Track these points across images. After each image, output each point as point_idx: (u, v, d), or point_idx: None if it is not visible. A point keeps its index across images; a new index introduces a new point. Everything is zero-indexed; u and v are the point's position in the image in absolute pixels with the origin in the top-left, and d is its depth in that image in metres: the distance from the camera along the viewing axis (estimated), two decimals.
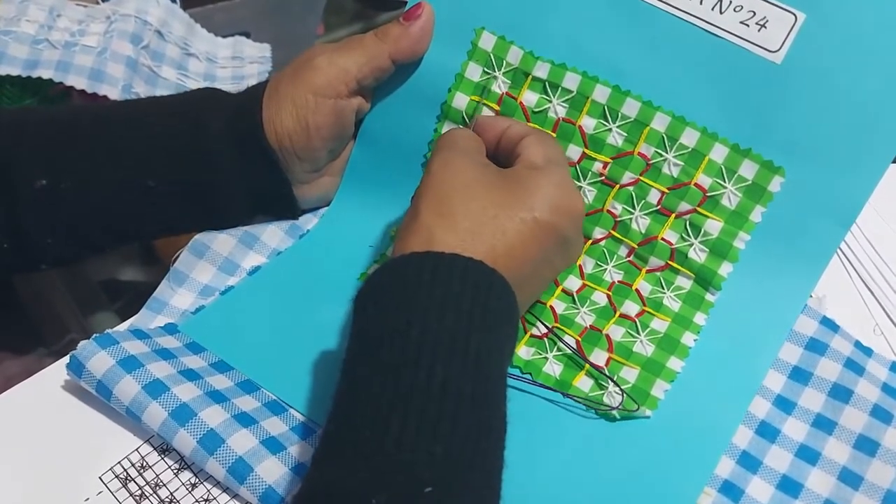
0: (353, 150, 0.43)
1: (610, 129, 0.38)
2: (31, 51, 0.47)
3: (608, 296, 0.39)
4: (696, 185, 0.37)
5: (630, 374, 0.37)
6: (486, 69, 0.39)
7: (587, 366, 0.38)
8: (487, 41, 0.39)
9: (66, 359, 0.35)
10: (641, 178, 0.38)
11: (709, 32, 0.36)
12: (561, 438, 0.36)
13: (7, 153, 0.36)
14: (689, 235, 0.38)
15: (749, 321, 0.37)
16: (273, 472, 0.32)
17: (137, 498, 0.33)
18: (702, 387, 0.37)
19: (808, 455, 0.35)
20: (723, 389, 0.37)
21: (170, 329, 0.38)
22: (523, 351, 0.39)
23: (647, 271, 0.38)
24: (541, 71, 0.38)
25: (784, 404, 0.37)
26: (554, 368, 0.38)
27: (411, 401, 0.26)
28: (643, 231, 0.38)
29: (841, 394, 0.36)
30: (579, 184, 0.39)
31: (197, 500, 0.33)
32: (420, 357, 0.26)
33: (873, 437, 0.35)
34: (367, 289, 0.29)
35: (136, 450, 0.34)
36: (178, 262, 0.40)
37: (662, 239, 0.38)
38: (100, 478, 0.33)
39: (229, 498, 0.33)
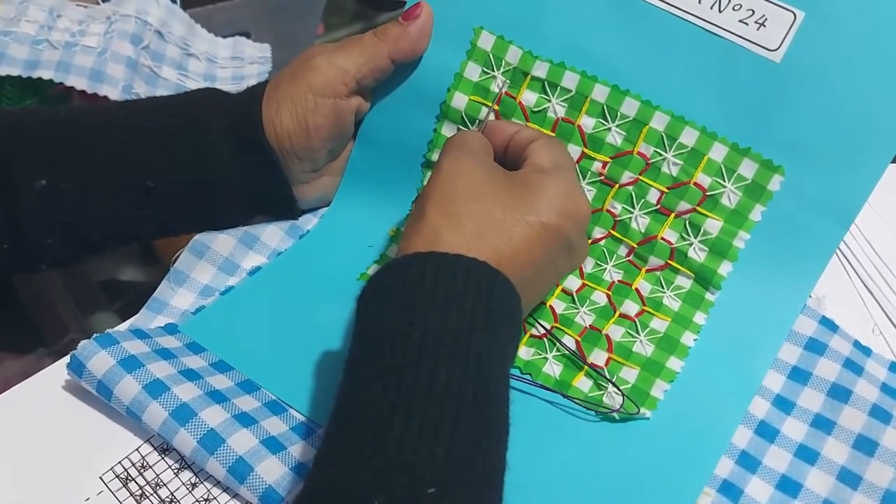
0: (353, 150, 0.43)
1: (609, 129, 0.38)
2: (31, 51, 0.47)
3: (608, 295, 0.39)
4: (695, 184, 0.37)
5: (630, 374, 0.37)
6: (485, 69, 0.39)
7: (586, 367, 0.38)
8: (486, 41, 0.39)
9: (66, 359, 0.35)
10: (641, 177, 0.38)
11: (708, 31, 0.36)
12: (560, 439, 0.36)
13: (7, 153, 0.36)
14: (688, 235, 0.38)
15: (749, 320, 0.37)
16: (273, 471, 0.32)
17: (138, 497, 0.33)
18: (701, 387, 0.37)
19: (807, 455, 0.35)
20: (722, 389, 0.37)
21: (170, 329, 0.38)
22: (523, 351, 0.39)
23: (647, 271, 0.38)
24: (540, 70, 0.38)
25: (783, 404, 0.37)
26: (553, 369, 0.38)
27: (413, 402, 0.26)
28: (643, 230, 0.38)
29: (840, 394, 0.36)
30: (579, 183, 0.39)
31: (197, 500, 0.33)
32: (422, 358, 0.26)
33: (872, 437, 0.35)
34: (370, 289, 0.29)
35: (137, 449, 0.34)
36: (178, 262, 0.40)
37: (662, 238, 0.38)
38: (100, 477, 0.33)
39: (229, 497, 0.33)
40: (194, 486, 0.33)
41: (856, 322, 0.42)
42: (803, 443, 0.36)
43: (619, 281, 0.39)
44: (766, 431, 0.36)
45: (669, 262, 0.38)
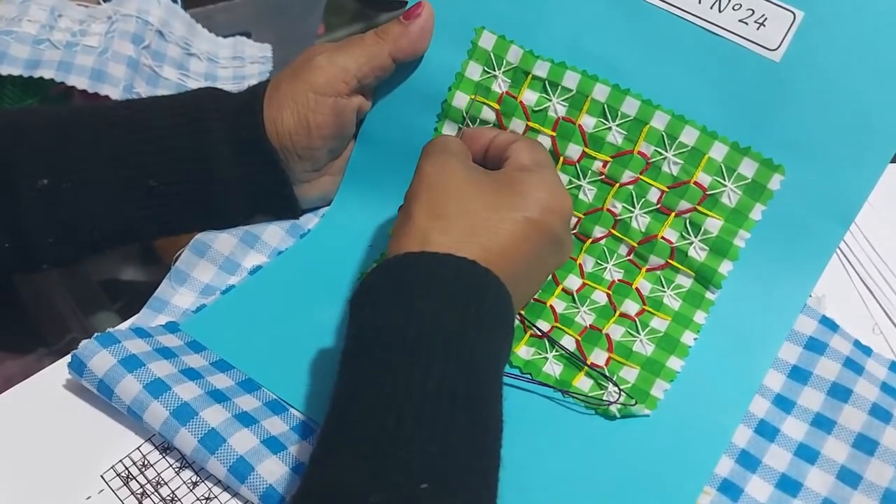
0: (354, 150, 0.43)
1: (610, 128, 0.38)
2: (32, 51, 0.47)
3: (608, 295, 0.39)
4: (695, 183, 0.37)
5: (630, 373, 0.37)
6: (486, 68, 0.39)
7: (587, 367, 0.38)
8: (487, 40, 0.39)
9: (67, 358, 0.35)
10: (641, 176, 0.38)
11: (708, 31, 0.36)
12: (561, 438, 0.36)
13: (8, 153, 0.36)
14: (689, 234, 0.38)
15: (749, 320, 0.37)
16: (274, 471, 0.32)
17: (139, 496, 0.33)
18: (702, 386, 0.37)
19: (807, 454, 0.35)
20: (723, 389, 0.37)
21: (171, 328, 0.38)
22: (523, 351, 0.39)
23: (647, 270, 0.38)
24: (541, 70, 0.38)
25: (783, 403, 0.37)
26: (554, 368, 0.38)
27: (407, 400, 0.26)
28: (643, 230, 0.38)
29: (840, 393, 0.36)
30: (579, 182, 0.39)
31: (198, 499, 0.33)
32: (415, 357, 0.27)
33: (872, 436, 0.35)
34: (363, 289, 0.30)
35: (138, 448, 0.34)
36: (179, 261, 0.40)
37: (662, 237, 0.38)
38: (101, 476, 0.33)
39: (230, 497, 0.33)
40: (195, 484, 0.33)
41: (856, 321, 0.42)
42: (803, 442, 0.36)
43: (619, 280, 0.39)
44: (767, 430, 0.36)
45: (670, 261, 0.38)
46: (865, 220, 0.47)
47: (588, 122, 0.38)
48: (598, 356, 0.38)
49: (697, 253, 0.38)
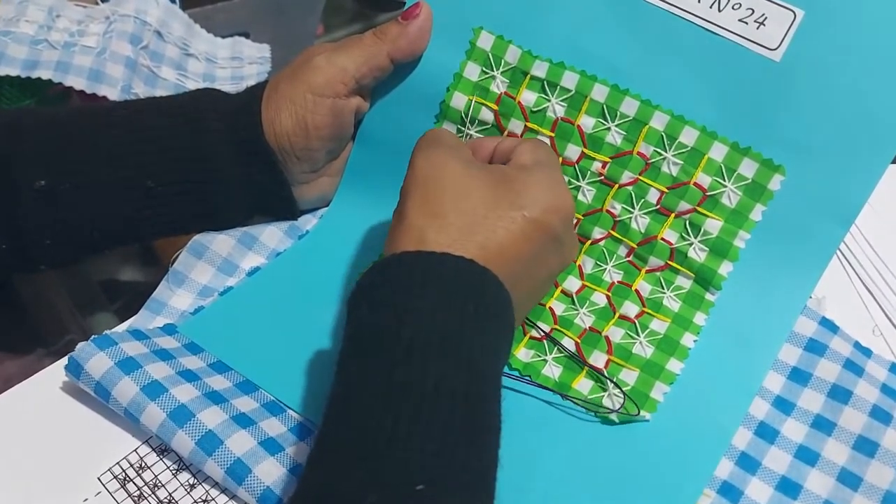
0: (352, 151, 0.42)
1: (609, 129, 0.38)
2: (30, 51, 0.47)
3: (607, 296, 0.39)
4: (695, 184, 0.37)
5: (629, 376, 0.37)
6: (484, 68, 0.39)
7: (586, 368, 0.38)
8: (486, 40, 0.39)
9: (65, 360, 0.35)
10: (640, 177, 0.38)
11: (708, 30, 0.36)
12: (560, 440, 0.36)
13: (6, 154, 0.36)
14: (688, 235, 0.38)
15: (749, 321, 0.37)
16: (271, 473, 0.32)
17: (136, 498, 0.33)
18: (701, 388, 0.37)
19: (807, 456, 0.35)
20: (722, 391, 0.36)
21: (168, 330, 0.38)
22: (522, 353, 0.39)
23: (647, 271, 0.38)
24: (539, 70, 0.38)
25: (783, 405, 0.37)
26: (553, 371, 0.38)
27: (403, 400, 0.26)
28: (643, 231, 0.38)
29: (840, 395, 0.36)
30: (578, 183, 0.39)
31: (195, 501, 0.33)
32: (411, 356, 0.26)
33: (872, 438, 0.35)
34: (360, 289, 0.29)
35: (135, 450, 0.34)
36: (177, 262, 0.40)
37: (662, 238, 0.38)
38: (98, 478, 0.33)
39: (228, 499, 0.33)
40: (193, 487, 0.33)
41: (856, 323, 0.42)
42: (803, 444, 0.36)
43: (618, 282, 0.39)
44: (766, 432, 0.36)
45: (669, 262, 0.38)
46: (866, 221, 0.47)
47: (587, 122, 0.38)
48: (598, 358, 0.38)
49: (697, 254, 0.38)
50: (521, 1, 0.38)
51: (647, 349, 0.38)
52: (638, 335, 0.38)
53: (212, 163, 0.38)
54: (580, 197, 0.39)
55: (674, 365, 0.37)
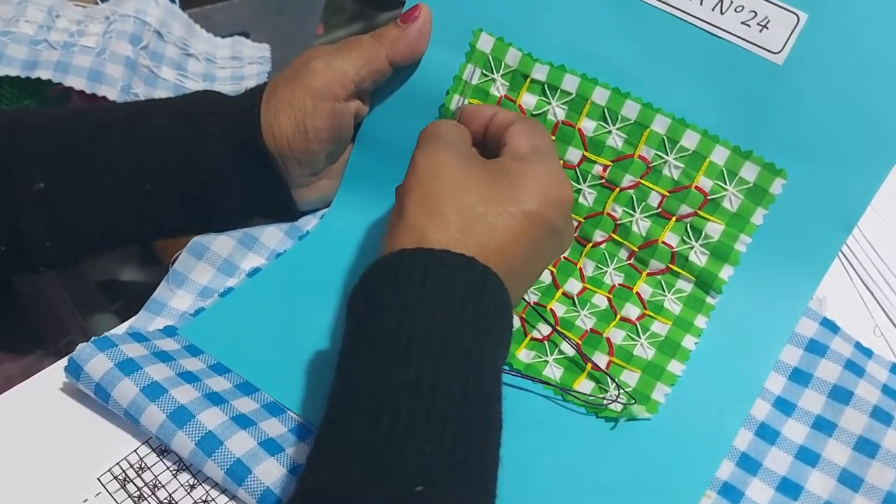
0: (352, 153, 0.42)
1: (610, 132, 0.38)
2: (29, 51, 0.47)
3: (608, 299, 0.39)
4: (696, 187, 0.37)
5: (631, 377, 0.37)
6: (484, 71, 0.39)
7: (588, 369, 0.38)
8: (486, 43, 0.39)
9: (65, 360, 0.35)
10: (642, 180, 0.38)
11: (710, 33, 0.36)
12: (561, 441, 0.36)
13: (5, 156, 0.36)
14: (689, 238, 0.37)
15: (750, 324, 0.37)
16: (271, 473, 0.32)
17: (136, 499, 0.33)
18: (703, 390, 0.37)
19: (807, 457, 0.35)
20: (724, 393, 0.36)
21: (168, 332, 0.38)
22: (524, 354, 0.39)
23: (648, 274, 0.38)
24: (540, 73, 0.38)
25: (784, 406, 0.37)
26: (554, 372, 0.38)
27: (401, 400, 0.26)
28: (644, 234, 0.38)
29: (841, 395, 0.36)
30: (579, 186, 0.39)
31: (195, 502, 0.33)
32: (410, 356, 0.26)
33: (873, 439, 0.35)
34: (359, 288, 0.29)
35: (135, 451, 0.34)
36: (176, 263, 0.39)
37: (663, 242, 0.38)
38: (98, 479, 0.33)
39: (228, 499, 0.33)
40: (192, 487, 0.33)
41: (857, 323, 0.42)
42: (804, 445, 0.36)
43: (619, 284, 0.39)
44: (767, 433, 0.36)
45: (670, 265, 0.38)
46: (867, 222, 0.47)
47: (588, 125, 0.38)
48: (599, 360, 0.38)
49: (698, 257, 0.37)
50: (521, 3, 0.38)
51: (649, 351, 0.38)
52: (639, 337, 0.38)
53: (211, 166, 0.38)
54: (581, 200, 0.39)
55: (675, 367, 0.37)
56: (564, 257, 0.39)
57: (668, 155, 0.37)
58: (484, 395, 0.27)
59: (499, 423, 0.28)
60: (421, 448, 0.25)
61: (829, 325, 0.38)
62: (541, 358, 0.39)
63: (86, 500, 0.33)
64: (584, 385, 0.38)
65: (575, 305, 0.39)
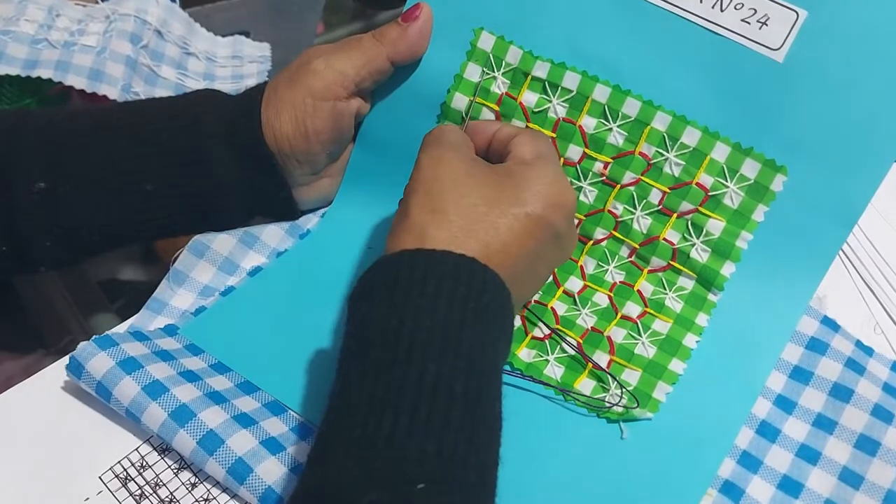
0: (353, 152, 0.42)
1: (610, 129, 0.38)
2: (30, 50, 0.47)
3: (609, 297, 0.39)
4: (697, 184, 0.37)
5: (632, 376, 0.37)
6: (485, 69, 0.39)
7: (589, 368, 0.38)
8: (486, 41, 0.39)
9: (66, 359, 0.35)
10: (642, 177, 0.38)
11: (710, 31, 0.36)
12: (562, 440, 0.36)
13: (5, 156, 0.36)
14: (690, 235, 0.38)
15: (752, 322, 0.37)
16: (273, 472, 0.32)
17: (137, 497, 0.33)
18: (704, 389, 0.37)
19: (808, 455, 0.35)
20: (725, 391, 0.36)
21: (169, 330, 0.38)
22: (524, 353, 0.39)
23: (649, 272, 0.38)
24: (540, 71, 0.38)
25: (785, 404, 0.37)
26: (555, 371, 0.38)
27: (402, 398, 0.26)
28: (645, 231, 0.38)
29: (842, 393, 0.36)
30: (580, 184, 0.39)
31: (197, 500, 0.33)
32: (411, 354, 0.26)
33: (874, 437, 0.35)
34: (360, 288, 0.29)
35: (136, 449, 0.34)
36: (177, 262, 0.39)
37: (664, 239, 0.38)
38: (100, 477, 0.33)
39: (229, 498, 0.33)
40: (194, 486, 0.33)
41: (857, 321, 0.42)
42: (805, 443, 0.36)
43: (620, 282, 0.39)
44: (768, 431, 0.36)
45: (671, 262, 0.38)
46: (867, 219, 0.47)
47: (589, 123, 0.38)
48: (600, 359, 0.38)
49: (699, 254, 0.37)
50: (521, 1, 0.38)
51: (650, 349, 0.38)
52: (640, 335, 0.38)
53: (211, 166, 0.38)
54: (582, 198, 0.39)
55: (676, 365, 0.37)
56: None
57: (668, 152, 0.37)
58: (485, 394, 0.27)
59: (499, 423, 0.28)
60: (422, 447, 0.25)
61: (830, 324, 0.38)
62: (542, 357, 0.39)
63: (87, 499, 0.33)
64: (585, 384, 0.38)
65: (576, 304, 0.39)
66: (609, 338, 0.38)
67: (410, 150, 0.36)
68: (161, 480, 0.33)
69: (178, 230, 0.40)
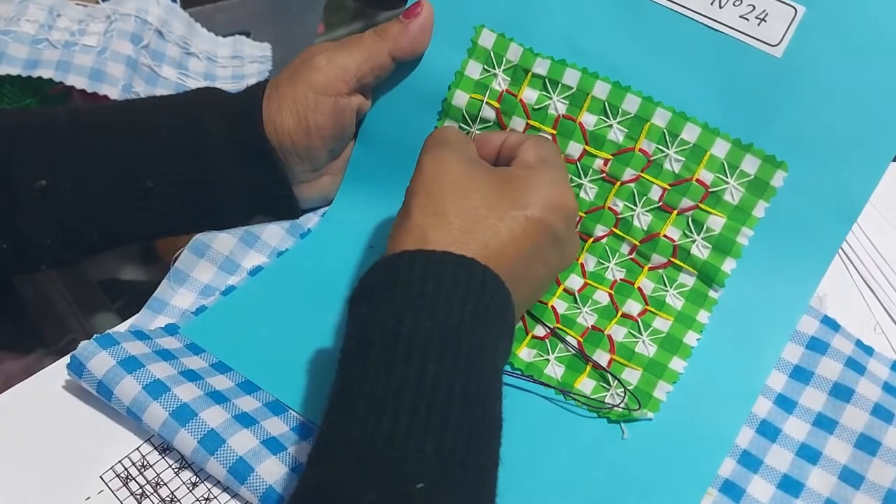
0: (354, 149, 0.42)
1: (610, 126, 0.38)
2: (30, 50, 0.47)
3: (610, 295, 0.39)
4: (697, 180, 0.37)
5: (632, 375, 0.37)
6: (486, 66, 0.39)
7: (589, 367, 0.38)
8: (487, 38, 0.39)
9: (67, 359, 0.35)
10: (643, 174, 0.38)
11: (708, 27, 0.36)
12: (563, 440, 0.36)
13: (6, 154, 0.36)
14: (691, 232, 0.37)
15: (753, 319, 0.37)
16: (273, 472, 0.32)
17: (138, 497, 0.33)
18: (704, 388, 0.37)
19: (809, 454, 0.35)
20: (726, 390, 0.36)
21: (170, 330, 0.38)
22: (525, 353, 0.39)
23: (650, 269, 0.38)
24: (540, 68, 0.38)
25: (785, 403, 0.37)
26: (556, 370, 0.38)
27: (402, 398, 0.26)
28: (645, 228, 0.38)
29: (842, 393, 0.36)
30: (580, 181, 0.39)
31: (197, 500, 0.33)
32: (411, 355, 0.26)
33: (874, 437, 0.35)
34: (360, 288, 0.30)
35: (137, 449, 0.34)
36: (178, 261, 0.39)
37: (664, 236, 0.38)
38: (100, 477, 0.33)
39: (230, 497, 0.33)
40: (195, 485, 0.33)
41: (858, 321, 0.42)
42: (805, 442, 0.36)
43: (621, 279, 0.39)
44: (768, 430, 0.36)
45: (672, 259, 0.38)
46: (867, 218, 0.46)
47: (589, 119, 0.38)
48: (601, 357, 0.38)
49: (700, 251, 0.37)
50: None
51: (650, 348, 0.38)
52: (641, 334, 0.38)
53: (212, 163, 0.38)
54: (582, 195, 0.39)
55: (677, 364, 0.37)
56: None
57: (668, 148, 0.37)
58: (484, 394, 0.28)
59: (499, 423, 0.28)
60: (422, 447, 0.25)
61: (830, 323, 0.38)
62: (542, 356, 0.38)
63: (88, 498, 0.33)
64: (585, 383, 0.38)
65: (576, 302, 0.39)
66: (609, 336, 0.38)
67: (411, 148, 0.36)
68: (162, 480, 0.33)
69: (178, 228, 0.40)
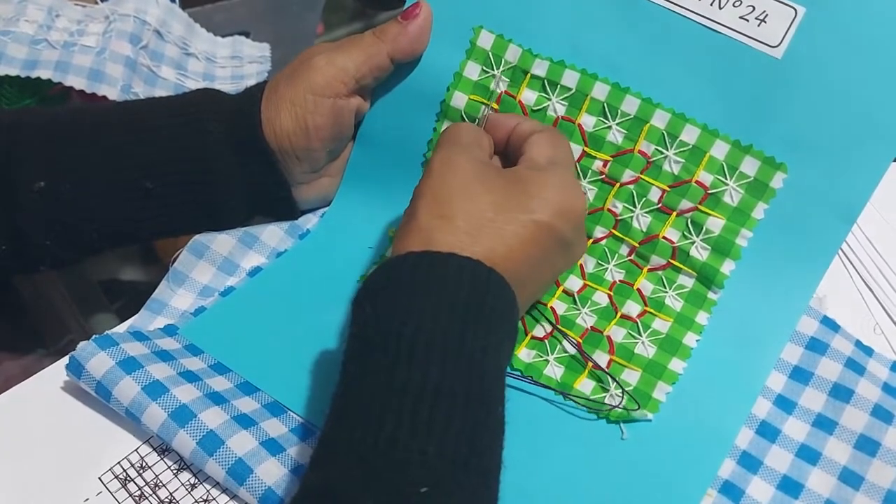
0: (353, 151, 0.42)
1: (610, 127, 0.38)
2: (29, 51, 0.47)
3: (609, 296, 0.39)
4: (697, 182, 0.37)
5: (631, 376, 0.37)
6: (484, 67, 0.39)
7: (588, 368, 0.38)
8: (486, 39, 0.39)
9: (66, 359, 0.35)
10: (642, 176, 0.38)
11: (708, 28, 0.36)
12: (563, 442, 0.36)
13: (6, 154, 0.36)
14: (690, 233, 0.37)
15: (752, 320, 0.37)
16: (273, 473, 0.32)
17: (137, 498, 0.33)
18: (704, 389, 0.37)
19: (808, 455, 0.35)
20: (725, 391, 0.36)
21: (169, 331, 0.38)
22: (524, 353, 0.39)
23: (649, 270, 0.38)
24: (539, 69, 0.38)
25: (785, 404, 0.37)
26: (555, 371, 0.38)
27: (404, 401, 0.26)
28: (644, 229, 0.38)
29: (842, 393, 0.36)
30: (579, 182, 0.39)
31: (196, 501, 0.33)
32: (414, 357, 0.26)
33: (874, 437, 0.35)
34: (364, 289, 0.29)
35: (136, 450, 0.34)
36: (177, 262, 0.39)
37: (664, 237, 0.38)
38: (99, 478, 0.33)
39: (229, 498, 0.33)
40: (193, 486, 0.33)
41: (857, 322, 0.42)
42: (805, 443, 0.36)
43: (620, 281, 0.39)
44: (768, 431, 0.36)
45: (671, 261, 0.38)
46: (866, 219, 0.46)
47: (588, 121, 0.38)
48: (600, 358, 0.38)
49: (699, 252, 0.37)
50: (521, 0, 0.38)
51: (650, 349, 0.38)
52: (640, 335, 0.38)
53: (211, 164, 0.38)
54: None
55: (676, 365, 0.37)
56: None
57: (668, 150, 0.37)
58: (487, 396, 0.27)
59: (502, 425, 0.28)
60: (424, 449, 0.25)
61: (830, 324, 0.38)
62: (541, 357, 0.38)
63: (87, 500, 0.33)
64: (584, 384, 0.38)
65: (575, 303, 0.39)
66: (609, 337, 0.38)
67: (410, 149, 0.36)
68: (161, 481, 0.33)
69: (177, 228, 0.40)
